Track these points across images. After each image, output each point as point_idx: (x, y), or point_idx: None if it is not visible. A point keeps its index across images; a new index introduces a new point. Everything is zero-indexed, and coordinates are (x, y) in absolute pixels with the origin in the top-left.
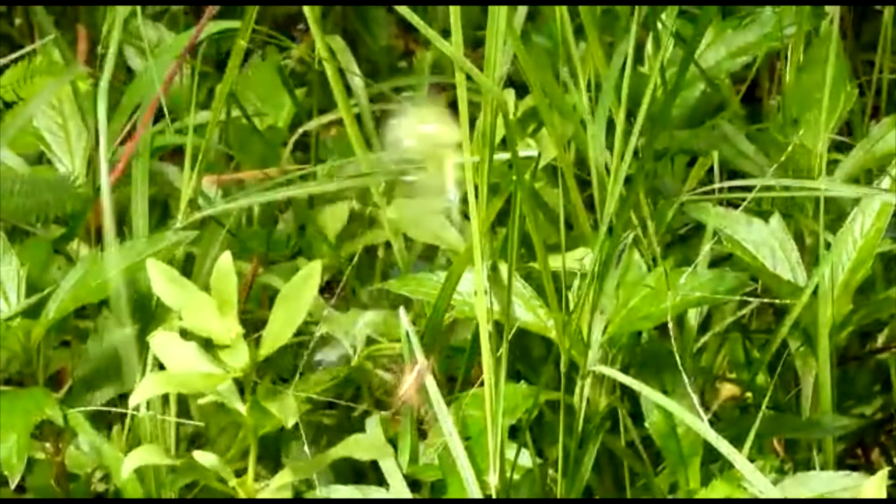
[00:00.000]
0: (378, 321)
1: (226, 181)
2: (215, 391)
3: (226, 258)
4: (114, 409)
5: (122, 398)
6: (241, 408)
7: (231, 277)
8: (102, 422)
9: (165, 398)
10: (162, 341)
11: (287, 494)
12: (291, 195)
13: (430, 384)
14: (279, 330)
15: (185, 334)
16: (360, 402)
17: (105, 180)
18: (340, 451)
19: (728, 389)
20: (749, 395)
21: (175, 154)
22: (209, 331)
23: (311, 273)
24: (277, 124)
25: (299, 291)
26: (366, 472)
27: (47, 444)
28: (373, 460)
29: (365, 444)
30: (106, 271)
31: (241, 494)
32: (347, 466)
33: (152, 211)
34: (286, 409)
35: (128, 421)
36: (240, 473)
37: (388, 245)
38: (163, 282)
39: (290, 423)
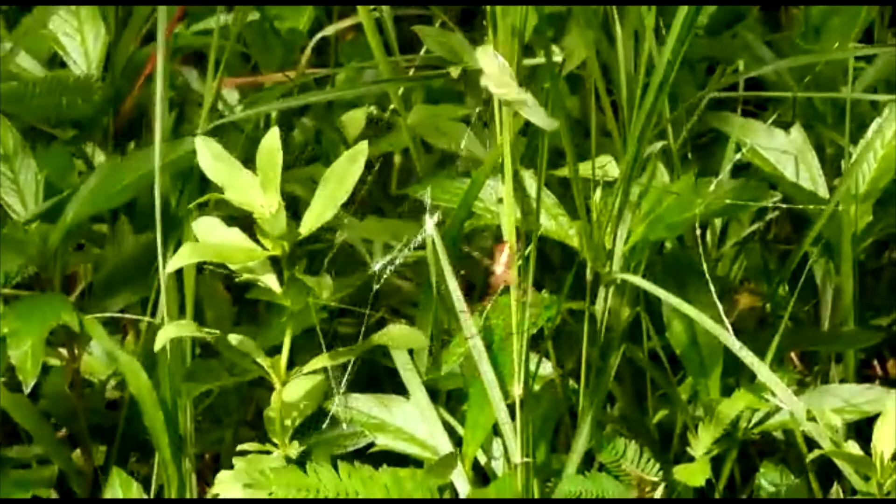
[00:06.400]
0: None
1: (244, 83)
2: (250, 269)
3: (273, 135)
4: (129, 316)
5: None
6: (276, 287)
7: (276, 154)
8: (117, 328)
9: (182, 307)
10: (205, 224)
11: (320, 378)
12: (311, 101)
13: (454, 288)
14: (321, 209)
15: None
16: (377, 311)
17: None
18: (378, 339)
19: (746, 299)
20: (767, 306)
21: (189, 58)
22: (252, 205)
23: (358, 153)
24: (298, 27)
25: (344, 172)
26: (383, 383)
27: (62, 350)
28: (391, 370)
29: (401, 335)
30: (127, 176)
31: (274, 377)
32: (364, 376)
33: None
34: (322, 286)
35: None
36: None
37: (405, 152)
38: (209, 158)
39: (325, 296)
